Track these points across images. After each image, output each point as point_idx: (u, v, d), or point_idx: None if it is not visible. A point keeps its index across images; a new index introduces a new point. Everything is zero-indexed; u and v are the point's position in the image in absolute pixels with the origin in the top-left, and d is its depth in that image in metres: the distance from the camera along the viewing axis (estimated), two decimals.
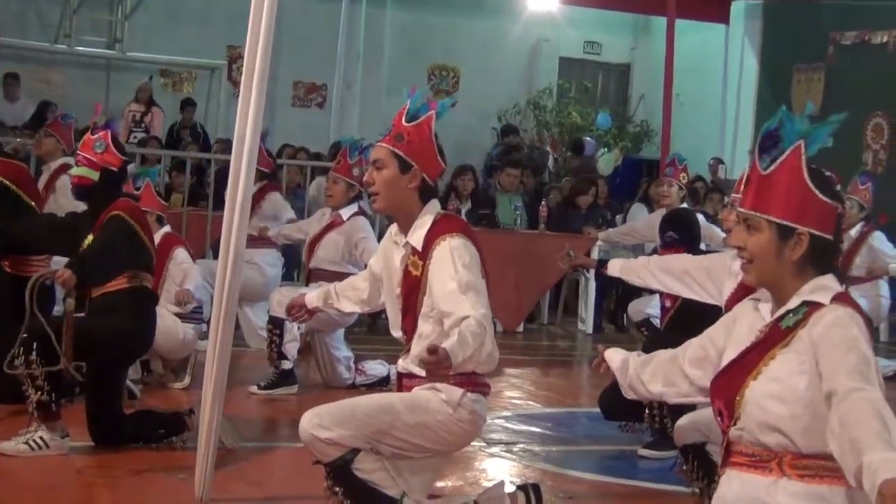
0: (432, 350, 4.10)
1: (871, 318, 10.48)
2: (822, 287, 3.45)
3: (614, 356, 4.14)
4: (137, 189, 8.35)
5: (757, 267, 3.51)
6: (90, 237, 6.51)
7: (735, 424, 3.46)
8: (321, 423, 4.51)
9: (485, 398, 4.82)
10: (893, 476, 2.86)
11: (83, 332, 6.18)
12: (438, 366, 4.11)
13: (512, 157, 16.04)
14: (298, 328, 8.51)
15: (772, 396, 3.37)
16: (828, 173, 3.54)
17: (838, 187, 3.62)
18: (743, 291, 4.46)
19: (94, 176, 6.56)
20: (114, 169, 6.63)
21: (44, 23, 18.05)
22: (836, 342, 3.30)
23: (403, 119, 4.84)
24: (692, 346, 3.88)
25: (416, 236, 4.78)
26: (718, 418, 3.56)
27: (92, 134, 6.66)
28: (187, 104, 17.58)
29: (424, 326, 4.71)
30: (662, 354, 4.01)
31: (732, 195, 6.14)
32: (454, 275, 4.58)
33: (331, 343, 8.89)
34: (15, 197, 7.48)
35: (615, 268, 6.73)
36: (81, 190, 6.65)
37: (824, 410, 3.26)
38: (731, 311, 3.91)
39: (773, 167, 3.46)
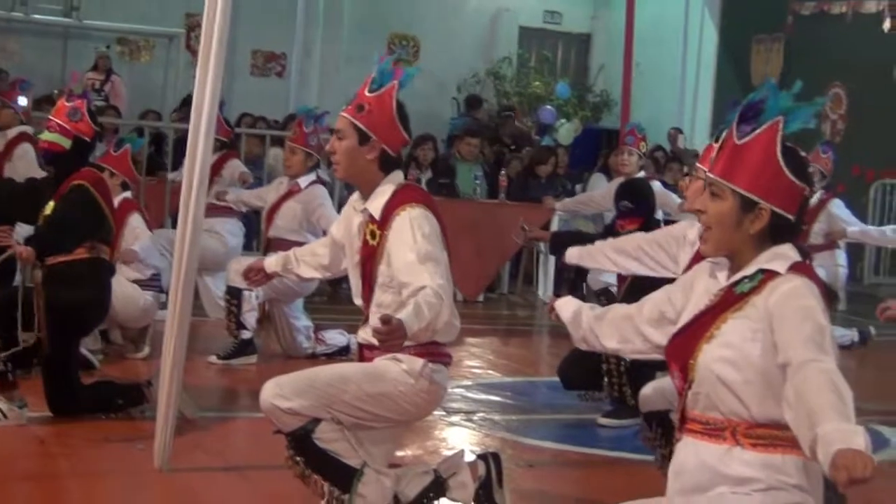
0: (385, 320, 4.08)
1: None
2: (780, 256, 3.44)
3: (565, 307, 4.12)
4: (116, 152, 8.30)
5: (715, 235, 3.50)
6: (51, 203, 6.45)
7: (690, 388, 3.47)
8: (281, 392, 4.50)
9: (446, 368, 4.81)
10: (846, 447, 2.87)
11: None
12: (391, 335, 4.08)
13: (471, 127, 16.03)
14: (257, 297, 8.49)
15: (724, 361, 3.38)
16: (802, 154, 3.53)
17: (811, 169, 3.61)
18: (699, 260, 4.48)
19: (66, 144, 6.50)
20: (86, 139, 6.59)
21: None
22: (792, 312, 3.30)
23: (367, 89, 4.81)
24: (648, 304, 3.86)
25: (375, 205, 4.76)
26: (675, 381, 3.57)
27: (67, 101, 6.59)
28: None
29: (383, 297, 4.70)
30: (617, 310, 4.00)
31: (697, 164, 6.14)
32: (413, 245, 4.57)
33: (290, 313, 8.88)
34: None
35: (573, 255, 6.76)
36: (50, 156, 6.60)
37: (778, 379, 3.27)
38: (688, 273, 3.90)
39: (747, 138, 3.44)
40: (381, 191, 4.78)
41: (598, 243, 6.79)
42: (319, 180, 9.13)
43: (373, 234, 4.73)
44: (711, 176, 3.52)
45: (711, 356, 3.41)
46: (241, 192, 10.21)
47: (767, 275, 3.42)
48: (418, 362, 4.65)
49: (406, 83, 4.84)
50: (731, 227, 3.47)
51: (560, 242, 7.65)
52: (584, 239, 6.80)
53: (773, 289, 3.38)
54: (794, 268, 3.42)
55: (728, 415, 3.41)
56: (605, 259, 6.57)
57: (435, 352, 4.71)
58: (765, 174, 3.43)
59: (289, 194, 9.02)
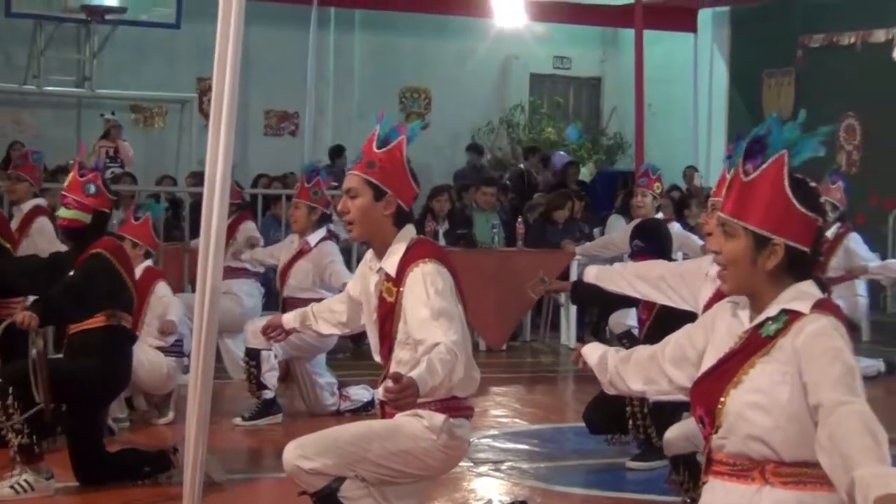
0: (395, 378, 4.06)
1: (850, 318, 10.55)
2: (802, 294, 3.41)
3: (592, 352, 4.10)
4: (137, 220, 8.30)
5: (732, 274, 3.48)
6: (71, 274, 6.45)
7: (717, 433, 3.44)
8: (304, 453, 4.50)
9: (468, 421, 4.80)
10: (886, 492, 2.86)
11: (58, 373, 6.15)
12: (402, 394, 4.05)
13: (487, 176, 16.02)
14: (276, 356, 8.48)
15: (755, 406, 3.35)
16: (812, 184, 3.51)
17: (822, 199, 3.58)
18: (720, 297, 4.47)
19: (87, 219, 6.47)
20: (105, 210, 6.59)
21: (12, 64, 18.04)
22: (820, 353, 3.28)
23: (374, 145, 4.80)
24: (671, 344, 3.84)
25: (390, 262, 4.76)
26: (700, 425, 3.54)
27: (80, 175, 6.56)
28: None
29: (402, 353, 4.68)
30: (642, 351, 3.97)
31: (712, 199, 6.09)
32: (426, 301, 4.55)
33: (312, 370, 8.86)
34: None
35: (591, 274, 6.71)
36: (71, 232, 6.57)
37: (809, 421, 3.25)
38: (708, 312, 3.87)
39: (755, 174, 3.43)
40: (395, 248, 4.77)
41: (618, 265, 6.74)
42: (330, 235, 9.15)
43: (389, 292, 4.72)
44: (723, 216, 3.50)
45: (741, 401, 3.38)
46: (256, 251, 10.29)
47: (792, 315, 3.39)
48: (439, 418, 4.64)
49: (413, 137, 4.85)
50: (747, 266, 3.44)
51: (582, 294, 7.61)
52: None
53: (800, 330, 3.35)
54: (818, 306, 3.39)
55: (757, 457, 3.38)
56: (625, 283, 6.49)
57: (456, 406, 4.69)
58: (775, 209, 3.40)
59: (300, 254, 9.04)
